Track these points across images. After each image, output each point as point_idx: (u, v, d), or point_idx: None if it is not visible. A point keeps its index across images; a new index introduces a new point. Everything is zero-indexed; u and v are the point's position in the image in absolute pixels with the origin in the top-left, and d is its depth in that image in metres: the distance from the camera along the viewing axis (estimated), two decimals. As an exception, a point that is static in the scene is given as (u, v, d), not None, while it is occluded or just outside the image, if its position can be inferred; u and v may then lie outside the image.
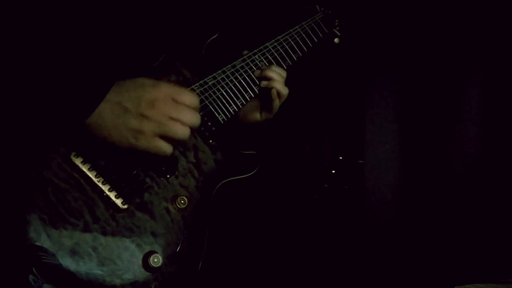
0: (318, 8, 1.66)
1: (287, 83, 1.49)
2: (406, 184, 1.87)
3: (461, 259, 1.78)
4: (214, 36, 1.42)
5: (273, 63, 1.49)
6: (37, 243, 1.04)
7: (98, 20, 1.29)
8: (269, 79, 1.44)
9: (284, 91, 1.46)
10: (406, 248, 1.85)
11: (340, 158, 1.96)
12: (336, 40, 1.70)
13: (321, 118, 1.99)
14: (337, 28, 1.69)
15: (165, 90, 1.13)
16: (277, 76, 1.44)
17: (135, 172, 1.20)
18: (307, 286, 1.89)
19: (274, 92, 1.43)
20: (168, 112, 1.12)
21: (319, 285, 1.89)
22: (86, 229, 1.10)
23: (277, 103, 1.47)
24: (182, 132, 1.14)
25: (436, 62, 1.82)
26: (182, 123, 1.14)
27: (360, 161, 1.90)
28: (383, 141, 1.89)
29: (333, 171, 1.96)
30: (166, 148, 1.14)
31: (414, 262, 1.82)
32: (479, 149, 1.80)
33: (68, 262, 1.07)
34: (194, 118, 1.16)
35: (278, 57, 1.51)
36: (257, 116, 1.49)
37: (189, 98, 1.17)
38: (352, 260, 1.89)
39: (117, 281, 1.12)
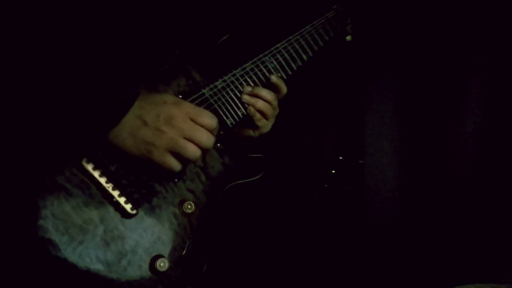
0: (331, 5, 1.64)
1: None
2: (406, 184, 1.88)
3: (461, 259, 1.78)
4: (225, 37, 1.41)
5: (283, 64, 1.47)
6: (47, 236, 1.07)
7: (108, 23, 1.29)
8: (254, 95, 1.39)
9: (268, 111, 1.39)
10: (406, 248, 1.85)
11: (340, 158, 1.96)
12: (348, 38, 1.68)
13: (322, 118, 1.99)
14: (349, 26, 1.67)
15: (185, 109, 1.17)
16: (263, 95, 1.39)
17: (144, 177, 1.21)
18: (307, 286, 1.89)
19: (251, 109, 1.38)
20: (184, 131, 1.16)
21: (319, 285, 1.90)
22: (96, 234, 1.13)
23: (260, 119, 1.41)
24: (193, 152, 1.17)
25: (436, 62, 1.82)
26: (195, 143, 1.17)
27: (360, 161, 1.90)
28: (383, 141, 1.89)
29: (333, 171, 1.95)
30: (174, 164, 1.17)
31: (414, 262, 1.83)
32: (479, 149, 1.80)
33: (76, 261, 1.09)
34: (207, 141, 1.19)
35: (289, 58, 1.49)
36: (250, 133, 1.45)
37: (208, 120, 1.20)
38: (352, 260, 1.89)
39: (124, 284, 1.14)
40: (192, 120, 1.18)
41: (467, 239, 1.79)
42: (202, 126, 1.18)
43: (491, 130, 1.79)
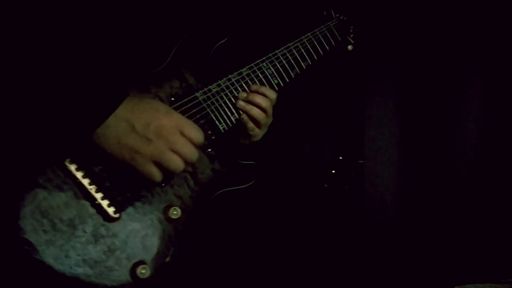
0: (333, 14, 1.61)
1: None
2: (406, 184, 1.88)
3: (461, 259, 1.78)
4: (223, 41, 1.38)
5: (280, 71, 1.44)
6: (25, 236, 1.05)
7: (103, 23, 1.28)
8: (249, 101, 1.37)
9: (262, 119, 1.37)
10: (406, 248, 1.85)
11: (340, 158, 1.96)
12: (349, 47, 1.64)
13: (322, 118, 1.98)
14: (352, 35, 1.64)
15: (175, 120, 1.16)
16: (259, 102, 1.37)
17: (130, 180, 1.19)
18: (307, 286, 1.89)
19: (244, 117, 1.36)
20: (172, 143, 1.14)
21: (319, 285, 1.90)
22: (76, 237, 1.10)
23: (253, 129, 1.39)
24: (178, 165, 1.15)
25: (436, 62, 1.82)
26: (180, 156, 1.15)
27: (360, 161, 1.90)
28: (383, 141, 1.89)
29: (333, 171, 1.95)
30: (156, 175, 1.15)
31: (414, 262, 1.82)
32: (479, 149, 1.80)
33: (54, 264, 1.07)
34: (192, 155, 1.17)
35: (287, 65, 1.45)
36: (241, 141, 1.43)
37: (195, 134, 1.18)
38: (352, 260, 1.89)
39: None
40: (180, 132, 1.16)
41: (467, 239, 1.79)
42: (189, 139, 1.17)
43: (491, 130, 1.79)
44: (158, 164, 1.14)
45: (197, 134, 1.18)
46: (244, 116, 1.36)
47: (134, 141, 1.11)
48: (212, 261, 1.63)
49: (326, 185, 1.95)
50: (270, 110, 1.39)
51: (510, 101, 1.76)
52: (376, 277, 1.85)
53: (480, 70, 1.79)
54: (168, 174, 1.19)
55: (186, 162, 1.17)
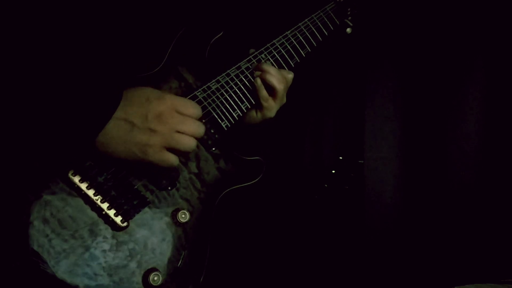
0: None
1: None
2: (406, 184, 1.87)
3: (461, 259, 1.78)
4: (219, 35, 1.35)
5: (280, 61, 1.40)
6: (35, 253, 1.04)
7: (97, 26, 1.26)
8: (262, 71, 1.35)
9: (278, 86, 1.35)
10: (406, 248, 1.85)
11: (340, 158, 1.96)
12: (348, 30, 1.58)
13: (322, 118, 1.98)
14: (349, 18, 1.57)
15: (170, 103, 1.14)
16: (272, 70, 1.35)
17: (135, 187, 1.18)
18: (307, 286, 1.89)
19: (271, 81, 1.34)
20: (175, 125, 1.13)
21: (319, 285, 1.90)
22: (85, 249, 1.09)
23: (266, 97, 1.37)
24: (189, 143, 1.15)
25: (436, 62, 1.82)
26: (188, 135, 1.15)
27: (360, 161, 1.90)
28: (383, 141, 1.89)
29: (333, 171, 1.95)
30: (173, 159, 1.15)
31: (414, 262, 1.82)
32: (479, 149, 1.80)
33: (65, 277, 1.07)
34: (198, 129, 1.17)
35: (286, 55, 1.41)
36: (253, 115, 1.41)
37: (192, 109, 1.18)
38: (351, 260, 1.89)
39: None
40: (178, 112, 1.15)
41: (467, 239, 1.78)
42: (188, 116, 1.16)
43: (491, 130, 1.79)
44: (171, 149, 1.14)
45: (193, 109, 1.18)
46: (258, 80, 1.34)
47: (139, 136, 1.10)
48: (221, 261, 1.63)
49: (326, 185, 1.95)
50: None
51: (511, 101, 1.76)
52: (376, 277, 1.85)
53: (481, 70, 1.79)
54: (184, 155, 1.18)
55: (196, 137, 1.17)
